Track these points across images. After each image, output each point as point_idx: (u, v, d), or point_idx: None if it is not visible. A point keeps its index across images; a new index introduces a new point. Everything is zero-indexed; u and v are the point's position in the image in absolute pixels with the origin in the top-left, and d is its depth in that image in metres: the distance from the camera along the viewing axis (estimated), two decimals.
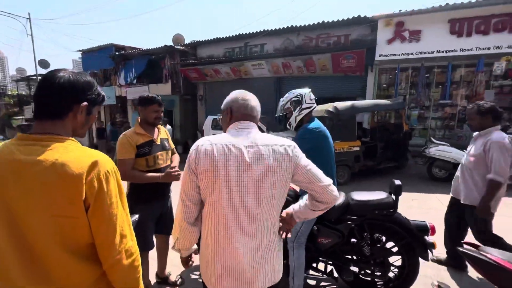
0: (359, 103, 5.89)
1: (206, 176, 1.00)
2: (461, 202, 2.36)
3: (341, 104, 5.48)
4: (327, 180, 1.12)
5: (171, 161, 2.15)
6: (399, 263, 2.12)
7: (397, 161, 6.45)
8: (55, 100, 0.81)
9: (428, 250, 1.94)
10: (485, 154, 2.14)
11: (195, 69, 10.31)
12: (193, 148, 1.04)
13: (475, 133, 2.35)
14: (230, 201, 1.00)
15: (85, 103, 0.84)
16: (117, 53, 11.92)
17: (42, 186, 0.73)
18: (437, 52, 7.08)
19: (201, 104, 11.63)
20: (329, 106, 5.46)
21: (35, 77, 15.07)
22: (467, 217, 2.36)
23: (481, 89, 6.96)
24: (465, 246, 1.23)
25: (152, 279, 2.34)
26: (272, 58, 8.83)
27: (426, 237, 1.97)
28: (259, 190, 1.02)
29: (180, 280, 2.36)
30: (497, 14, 6.47)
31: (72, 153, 0.77)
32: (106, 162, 0.81)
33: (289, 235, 1.31)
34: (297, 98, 1.96)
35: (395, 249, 2.08)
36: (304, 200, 1.23)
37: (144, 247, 2.01)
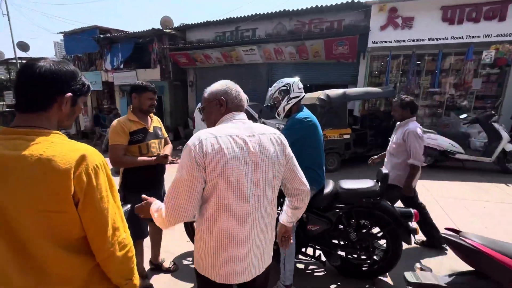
0: (350, 91, 5.90)
1: (217, 170, 0.95)
2: None
3: (333, 92, 5.47)
4: (302, 173, 1.21)
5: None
6: (383, 246, 2.21)
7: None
8: (37, 92, 0.76)
9: (411, 235, 2.03)
10: (405, 143, 2.49)
11: (184, 54, 10.00)
12: (194, 142, 0.97)
13: (397, 123, 2.68)
14: (238, 192, 1.00)
15: (69, 94, 0.80)
16: (102, 35, 11.37)
17: (28, 182, 0.70)
18: (429, 39, 7.10)
19: (191, 91, 11.39)
20: (320, 94, 5.45)
21: (14, 61, 14.28)
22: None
23: (469, 77, 7.08)
24: (446, 231, 1.29)
25: (146, 266, 2.37)
26: (264, 43, 8.64)
27: (409, 223, 2.05)
28: (263, 179, 1.04)
29: (174, 266, 2.40)
30: (489, 1, 6.49)
31: (58, 147, 0.74)
32: (94, 156, 0.79)
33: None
34: (285, 88, 1.95)
35: (380, 234, 2.16)
36: (284, 206, 1.33)
37: (139, 235, 2.02)
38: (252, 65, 9.58)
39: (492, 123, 5.19)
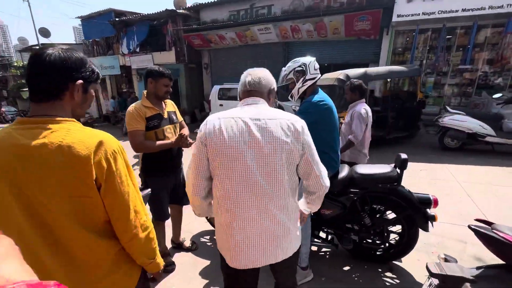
0: (372, 70, 5.56)
1: (216, 148, 1.01)
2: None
3: (353, 72, 5.19)
4: (322, 170, 1.13)
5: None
6: (398, 232, 2.16)
7: (407, 131, 6.28)
8: (49, 80, 0.76)
9: (429, 222, 1.95)
10: (351, 122, 2.73)
11: (198, 35, 9.83)
12: (203, 124, 1.08)
13: (349, 105, 2.91)
14: (238, 174, 1.01)
15: (80, 81, 0.81)
16: (117, 19, 11.39)
17: (51, 169, 0.72)
18: (462, 10, 6.43)
19: (206, 73, 11.32)
20: (340, 74, 5.19)
21: (37, 47, 14.79)
22: None
23: (508, 52, 6.41)
24: (476, 223, 1.20)
25: (168, 245, 2.50)
26: (280, 21, 8.26)
27: (428, 210, 1.97)
28: (267, 163, 1.01)
29: (194, 245, 2.51)
30: None
31: (76, 134, 0.76)
32: (111, 142, 0.81)
33: None
34: (301, 68, 1.83)
35: (395, 220, 2.10)
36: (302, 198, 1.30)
37: (161, 217, 2.11)
38: (268, 45, 9.26)
39: None
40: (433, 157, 5.06)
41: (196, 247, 2.50)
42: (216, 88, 8.49)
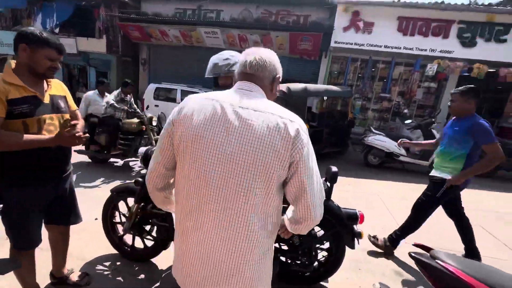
0: (311, 86, 5.85)
1: (180, 133, 0.81)
2: None
3: (294, 86, 5.35)
4: (317, 198, 0.83)
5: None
6: (325, 250, 2.05)
7: (339, 147, 6.78)
8: None
9: (355, 239, 1.90)
10: None
11: (137, 26, 8.86)
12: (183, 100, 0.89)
13: None
14: (193, 174, 0.80)
15: None
16: None
17: None
18: (385, 47, 7.49)
19: (143, 69, 10.25)
20: (282, 87, 5.26)
21: None
22: None
23: (415, 87, 7.70)
24: (416, 250, 1.11)
25: (45, 280, 1.81)
26: (228, 27, 8.12)
27: (354, 226, 1.92)
28: (233, 166, 0.75)
29: (84, 278, 1.86)
30: (436, 18, 7.08)
31: None
32: None
33: None
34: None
35: (323, 238, 1.99)
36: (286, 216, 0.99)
37: (25, 244, 1.46)
38: (214, 49, 8.89)
39: (432, 129, 5.66)
40: (360, 172, 5.50)
41: (87, 282, 1.86)
42: (152, 86, 7.65)
